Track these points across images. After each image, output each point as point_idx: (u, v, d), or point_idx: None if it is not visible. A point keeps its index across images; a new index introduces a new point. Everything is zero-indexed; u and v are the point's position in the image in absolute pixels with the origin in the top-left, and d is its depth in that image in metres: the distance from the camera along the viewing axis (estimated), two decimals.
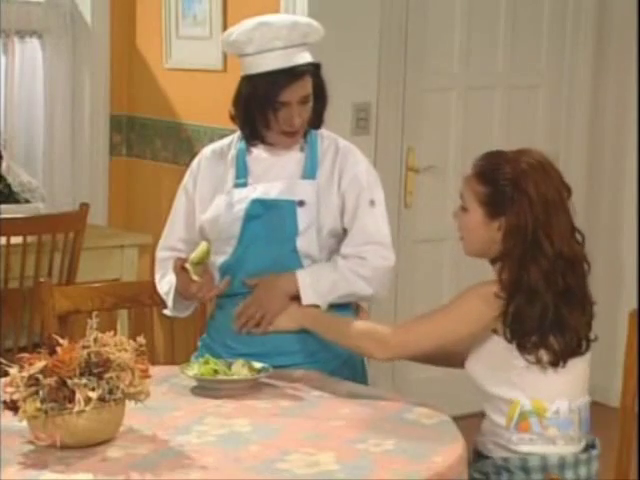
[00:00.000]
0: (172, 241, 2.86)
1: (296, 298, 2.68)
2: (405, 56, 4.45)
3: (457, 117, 4.69)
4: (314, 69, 2.71)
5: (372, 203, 2.75)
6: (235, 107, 2.75)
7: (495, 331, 2.44)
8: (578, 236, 2.47)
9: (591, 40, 4.88)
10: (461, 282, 4.78)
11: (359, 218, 2.73)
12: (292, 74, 2.66)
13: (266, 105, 2.67)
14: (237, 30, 2.70)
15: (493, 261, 2.48)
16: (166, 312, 2.81)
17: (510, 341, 2.40)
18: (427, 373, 4.76)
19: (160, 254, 2.88)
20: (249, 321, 2.68)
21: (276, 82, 2.65)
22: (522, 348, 2.39)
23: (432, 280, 4.70)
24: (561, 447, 2.43)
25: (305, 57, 2.68)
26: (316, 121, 2.76)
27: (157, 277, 2.85)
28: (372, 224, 2.74)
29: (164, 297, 2.80)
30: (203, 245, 2.64)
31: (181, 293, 2.72)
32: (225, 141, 2.85)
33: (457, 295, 2.49)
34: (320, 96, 2.74)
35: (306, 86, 2.68)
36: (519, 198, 2.40)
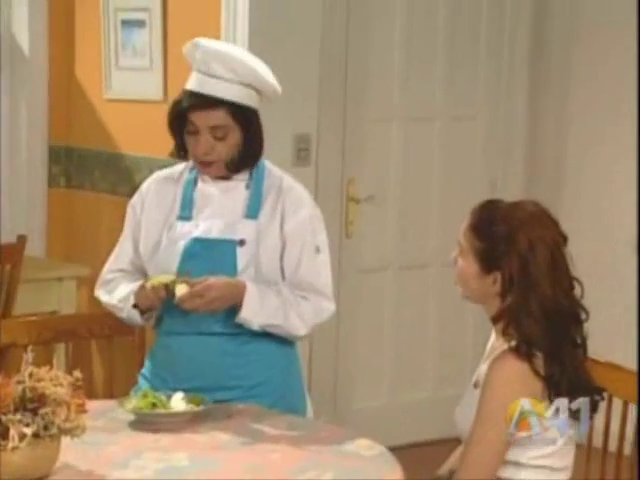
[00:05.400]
0: (121, 263, 2.82)
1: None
2: (345, 86, 4.46)
3: (397, 147, 4.72)
4: (233, 108, 2.66)
5: (317, 250, 2.74)
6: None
7: None
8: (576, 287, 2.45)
9: (526, 71, 4.93)
10: (403, 311, 4.81)
11: (302, 267, 2.71)
12: (200, 97, 2.66)
13: (179, 121, 2.69)
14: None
15: (496, 318, 2.43)
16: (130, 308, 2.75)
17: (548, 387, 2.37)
18: (369, 403, 4.79)
19: (107, 276, 2.83)
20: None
21: (187, 99, 2.68)
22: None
23: (374, 309, 4.70)
24: None
25: (223, 91, 2.65)
26: (249, 158, 2.74)
27: (101, 292, 2.81)
28: (315, 274, 2.72)
29: (116, 305, 2.76)
30: (171, 275, 2.63)
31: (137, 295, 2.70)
32: (177, 168, 2.83)
33: (483, 395, 2.37)
34: (252, 139, 2.72)
35: (216, 117, 2.67)
36: (512, 254, 2.38)
